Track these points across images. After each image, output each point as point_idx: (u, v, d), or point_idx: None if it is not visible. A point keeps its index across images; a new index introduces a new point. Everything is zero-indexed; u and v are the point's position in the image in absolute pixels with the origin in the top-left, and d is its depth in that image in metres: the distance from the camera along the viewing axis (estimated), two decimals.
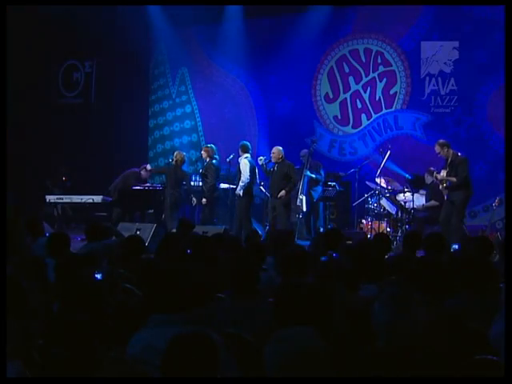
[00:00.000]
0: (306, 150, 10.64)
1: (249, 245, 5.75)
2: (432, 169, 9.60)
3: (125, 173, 11.12)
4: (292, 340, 2.73)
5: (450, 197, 9.03)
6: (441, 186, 9.21)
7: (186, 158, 10.86)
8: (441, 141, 9.20)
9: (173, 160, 10.61)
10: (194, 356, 2.35)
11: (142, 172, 11.15)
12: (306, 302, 2.89)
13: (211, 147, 10.73)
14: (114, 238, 6.89)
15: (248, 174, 9.93)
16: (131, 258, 5.19)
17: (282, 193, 9.74)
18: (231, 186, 10.70)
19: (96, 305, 3.27)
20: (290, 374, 2.63)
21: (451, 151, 9.01)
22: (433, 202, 9.67)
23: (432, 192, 9.73)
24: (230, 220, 10.59)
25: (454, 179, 8.86)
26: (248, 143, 10.36)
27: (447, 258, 4.88)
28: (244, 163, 10.02)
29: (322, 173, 10.64)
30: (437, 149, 9.10)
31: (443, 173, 9.02)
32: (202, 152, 10.74)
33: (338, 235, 5.81)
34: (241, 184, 9.93)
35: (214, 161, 10.57)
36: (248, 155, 10.13)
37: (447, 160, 9.03)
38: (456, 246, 6.73)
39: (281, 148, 10.01)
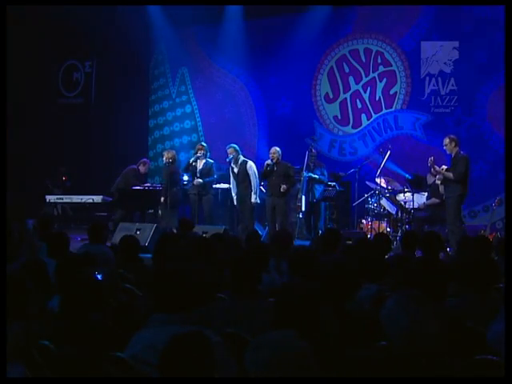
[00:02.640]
0: (314, 151, 10.77)
1: (250, 245, 5.74)
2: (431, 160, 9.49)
3: (124, 171, 11.12)
4: (273, 346, 2.71)
5: (445, 192, 9.08)
6: (437, 180, 9.24)
7: (175, 157, 10.89)
8: (452, 135, 9.20)
9: (167, 160, 10.61)
10: (189, 355, 2.35)
11: (140, 167, 11.13)
12: (307, 303, 2.88)
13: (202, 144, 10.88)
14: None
15: (257, 178, 10.00)
16: (128, 258, 5.19)
17: (284, 186, 9.81)
18: (231, 187, 10.69)
19: (97, 305, 3.27)
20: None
21: (456, 149, 9.02)
22: (433, 200, 9.66)
23: (433, 191, 9.72)
24: (230, 220, 10.60)
25: (450, 174, 8.89)
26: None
27: (446, 259, 4.88)
28: (254, 167, 10.09)
29: (326, 173, 10.68)
30: (445, 141, 9.09)
31: (444, 167, 9.06)
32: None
33: (336, 236, 5.79)
34: (254, 190, 9.99)
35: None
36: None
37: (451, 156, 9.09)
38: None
39: (279, 148, 10.09)
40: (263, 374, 2.64)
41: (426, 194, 9.96)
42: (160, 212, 10.56)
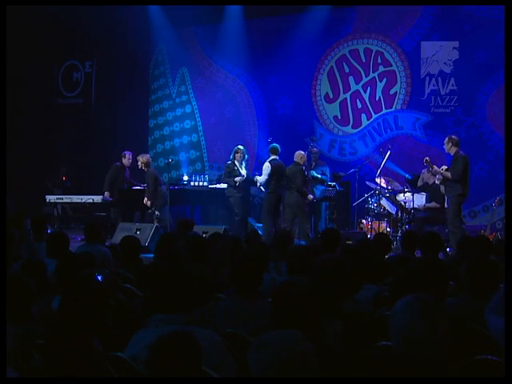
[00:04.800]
0: (316, 149, 10.77)
1: (252, 245, 5.72)
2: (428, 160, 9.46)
3: (108, 173, 11.03)
4: (277, 345, 2.71)
5: (445, 192, 9.09)
6: (437, 181, 9.24)
7: (150, 160, 10.91)
8: (451, 136, 9.20)
9: (141, 165, 10.62)
10: (173, 355, 2.36)
11: (124, 161, 11.05)
12: (303, 301, 2.87)
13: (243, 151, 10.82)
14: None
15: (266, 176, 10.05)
16: (129, 259, 5.19)
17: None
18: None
19: (98, 304, 3.27)
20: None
21: (455, 149, 9.02)
22: (434, 204, 9.67)
23: (433, 193, 9.71)
24: (230, 220, 10.62)
25: (448, 174, 8.90)
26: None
27: (446, 259, 4.87)
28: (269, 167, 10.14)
29: (328, 172, 10.70)
30: (444, 140, 9.17)
31: (444, 167, 9.07)
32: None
33: (335, 236, 5.78)
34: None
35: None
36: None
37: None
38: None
39: None
40: (266, 373, 2.63)
41: (425, 194, 9.95)
42: (158, 213, 10.57)
